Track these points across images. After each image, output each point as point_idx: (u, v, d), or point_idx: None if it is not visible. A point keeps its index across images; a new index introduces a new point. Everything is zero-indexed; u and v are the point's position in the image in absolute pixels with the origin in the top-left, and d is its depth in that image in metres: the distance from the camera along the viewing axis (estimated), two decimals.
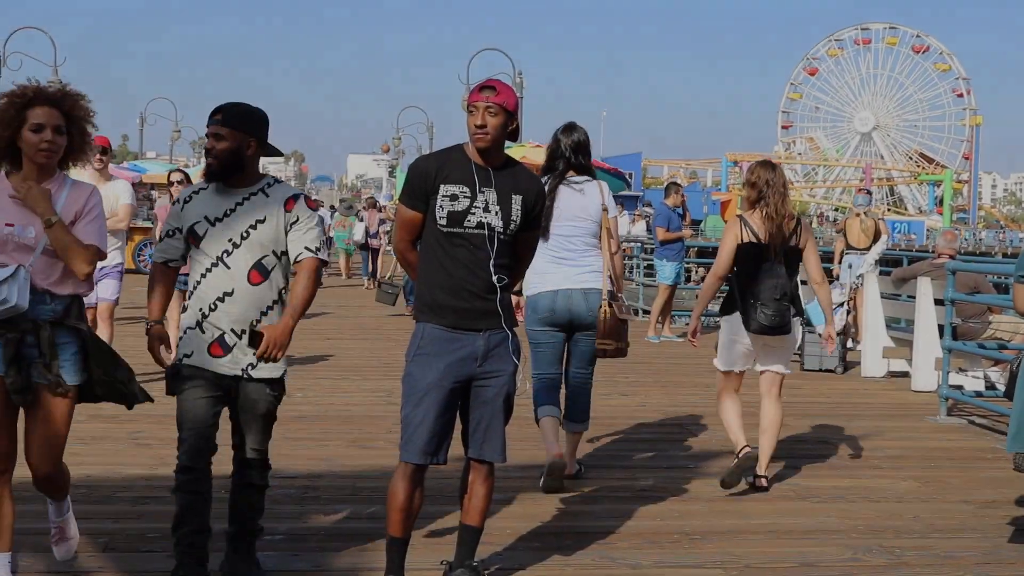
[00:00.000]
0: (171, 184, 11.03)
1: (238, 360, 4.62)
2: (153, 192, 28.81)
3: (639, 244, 21.53)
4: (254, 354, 4.53)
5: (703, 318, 7.38)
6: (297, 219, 4.63)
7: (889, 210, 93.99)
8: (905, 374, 11.71)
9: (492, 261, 4.51)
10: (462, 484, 4.81)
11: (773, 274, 6.55)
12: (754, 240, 6.62)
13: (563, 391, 6.86)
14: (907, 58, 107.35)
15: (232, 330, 4.59)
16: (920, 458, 7.95)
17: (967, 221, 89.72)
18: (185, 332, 4.64)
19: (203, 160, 5.97)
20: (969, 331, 11.03)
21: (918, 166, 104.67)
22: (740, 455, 6.71)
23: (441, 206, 4.48)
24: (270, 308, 4.63)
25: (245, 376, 4.64)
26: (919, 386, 11.03)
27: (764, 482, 6.83)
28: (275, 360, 4.53)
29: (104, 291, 9.11)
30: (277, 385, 4.74)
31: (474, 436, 4.63)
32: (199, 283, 4.63)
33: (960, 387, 10.63)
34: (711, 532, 5.86)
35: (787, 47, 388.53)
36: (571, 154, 6.67)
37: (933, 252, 13.35)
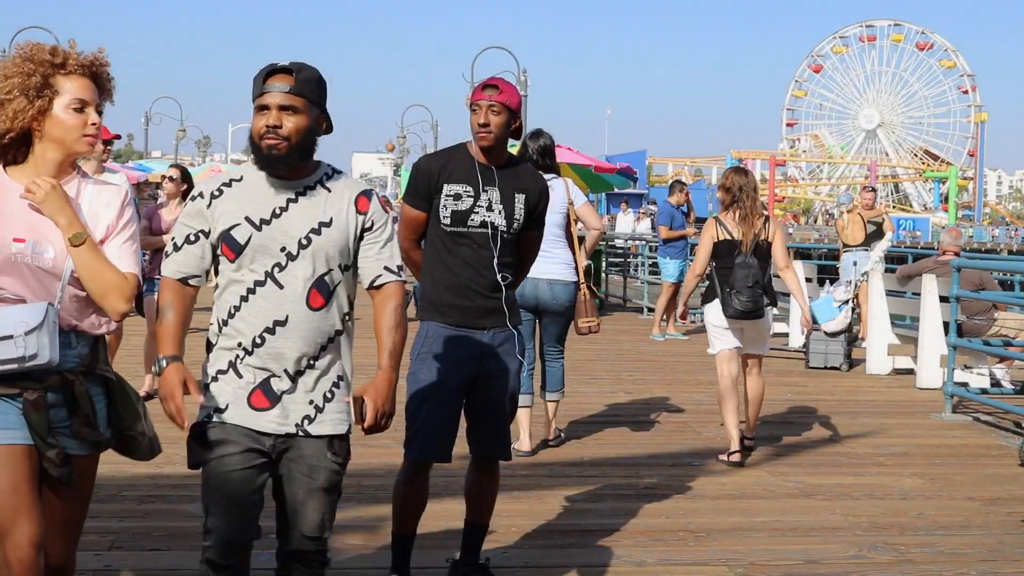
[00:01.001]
0: (172, 180, 9.58)
1: (289, 412, 3.42)
2: (159, 191, 28.81)
3: (643, 242, 21.52)
4: (362, 428, 3.39)
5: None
6: (372, 225, 3.50)
7: (894, 207, 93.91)
8: (910, 371, 11.70)
9: (496, 260, 4.52)
10: (467, 482, 4.82)
11: (746, 265, 7.44)
12: (729, 238, 7.51)
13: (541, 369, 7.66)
14: (912, 55, 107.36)
15: (285, 372, 3.41)
16: (925, 455, 7.94)
17: (972, 218, 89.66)
18: (213, 379, 3.45)
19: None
20: (974, 328, 11.02)
21: (923, 163, 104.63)
22: (730, 459, 7.38)
23: (445, 205, 4.49)
24: (331, 341, 3.48)
25: (300, 433, 3.44)
26: (924, 383, 11.02)
27: (750, 442, 7.82)
28: (383, 430, 3.43)
29: None
30: (342, 445, 3.52)
31: (479, 434, 4.64)
32: (236, 310, 3.42)
33: (965, 384, 10.61)
34: (715, 529, 5.86)
35: (792, 45, 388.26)
36: (538, 157, 7.36)
37: (938, 249, 13.35)
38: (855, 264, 13.91)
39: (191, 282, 3.45)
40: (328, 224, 3.43)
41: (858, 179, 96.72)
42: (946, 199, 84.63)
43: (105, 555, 5.10)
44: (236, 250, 3.39)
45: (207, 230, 3.44)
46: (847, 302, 12.40)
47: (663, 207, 15.61)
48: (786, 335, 14.55)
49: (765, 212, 7.64)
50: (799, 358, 12.80)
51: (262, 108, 3.36)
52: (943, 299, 10.64)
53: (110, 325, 3.38)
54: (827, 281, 14.79)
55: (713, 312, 7.59)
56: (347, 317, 3.53)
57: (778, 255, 7.63)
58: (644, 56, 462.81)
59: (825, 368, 12.26)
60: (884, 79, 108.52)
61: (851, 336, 12.60)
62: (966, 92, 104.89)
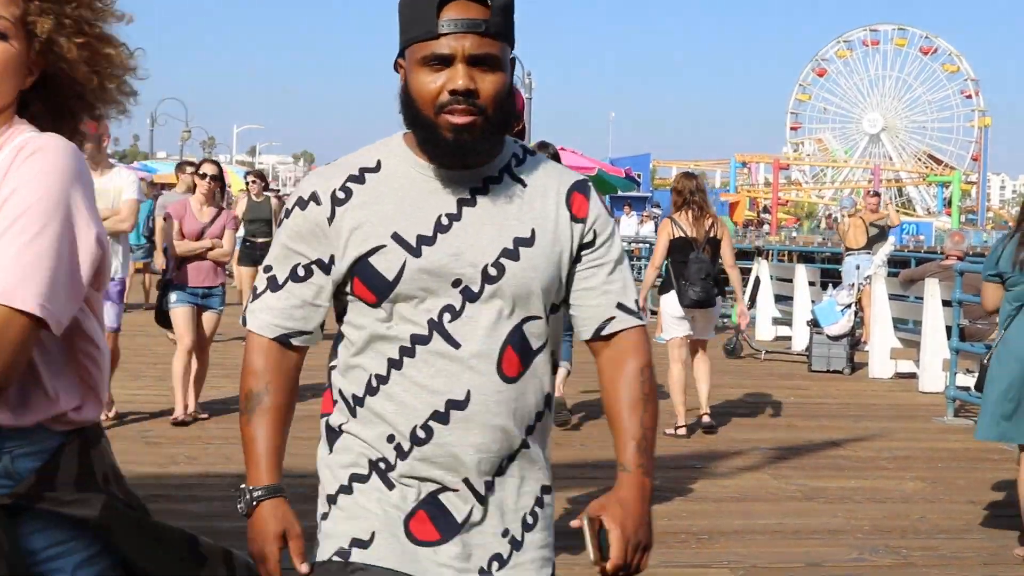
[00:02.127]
0: (205, 178, 8.36)
1: (472, 549, 2.13)
2: (164, 192, 28.78)
3: (647, 245, 21.56)
4: (602, 570, 2.11)
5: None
6: (595, 239, 2.22)
7: (897, 211, 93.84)
8: (912, 375, 11.70)
9: None
10: None
11: (699, 260, 8.25)
12: (684, 235, 8.35)
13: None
14: (916, 59, 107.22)
15: (466, 483, 2.12)
16: (926, 459, 7.95)
17: (976, 222, 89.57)
18: (345, 489, 2.22)
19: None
20: (977, 332, 11.01)
21: (926, 167, 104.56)
22: (678, 432, 8.26)
23: None
24: (530, 431, 2.21)
25: None
26: (926, 387, 11.02)
27: (707, 418, 8.54)
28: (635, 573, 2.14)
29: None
30: None
31: None
32: (382, 382, 2.13)
33: (967, 388, 10.59)
34: (718, 532, 5.87)
35: (796, 48, 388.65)
36: None
37: (941, 253, 13.35)
38: (858, 267, 13.90)
39: (296, 342, 2.20)
40: (530, 240, 2.14)
41: (862, 183, 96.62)
42: (949, 203, 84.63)
43: None
44: (380, 289, 2.10)
45: (327, 257, 2.14)
46: (850, 306, 12.41)
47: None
48: (789, 338, 14.56)
49: (713, 211, 8.59)
50: (802, 361, 12.80)
51: (437, 60, 2.04)
52: (946, 303, 10.64)
53: (93, 409, 1.96)
54: (830, 284, 14.80)
55: (669, 302, 8.45)
56: (551, 383, 2.25)
57: (725, 254, 8.53)
58: (648, 59, 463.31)
59: (828, 371, 12.25)
60: (888, 83, 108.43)
61: (854, 339, 12.60)
62: (969, 96, 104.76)
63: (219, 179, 8.42)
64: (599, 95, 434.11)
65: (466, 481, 2.12)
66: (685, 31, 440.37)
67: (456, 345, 2.08)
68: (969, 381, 10.88)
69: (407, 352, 2.10)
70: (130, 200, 7.55)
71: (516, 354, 2.12)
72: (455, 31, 2.01)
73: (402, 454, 2.12)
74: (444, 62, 2.03)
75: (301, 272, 2.15)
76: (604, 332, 2.24)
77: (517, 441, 2.16)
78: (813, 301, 13.89)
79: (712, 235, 8.38)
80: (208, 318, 8.27)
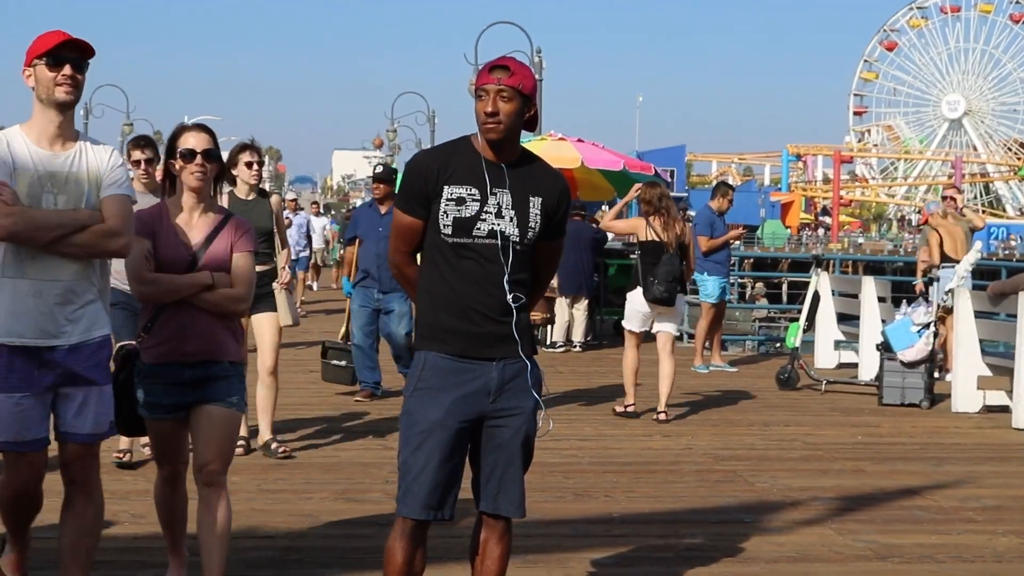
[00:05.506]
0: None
1: None
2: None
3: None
4: None
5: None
6: None
7: (984, 212, 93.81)
8: (1005, 408, 11.69)
9: (506, 277, 4.52)
10: (473, 543, 4.82)
11: (670, 263, 10.76)
12: (657, 239, 10.90)
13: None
14: (1005, 29, 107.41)
15: None
16: (1023, 509, 7.93)
17: None
18: None
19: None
20: None
21: (1018, 158, 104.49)
22: (627, 409, 10.98)
23: (445, 212, 4.50)
24: None
25: None
26: (1022, 423, 11.01)
27: (664, 416, 10.87)
28: None
29: (86, 420, 4.98)
30: None
31: (487, 486, 4.65)
32: None
33: None
34: None
35: (860, 17, 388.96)
36: None
37: None
38: (938, 281, 13.88)
39: None
40: None
41: (940, 178, 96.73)
42: None
43: None
44: None
45: None
46: (928, 325, 12.39)
47: (702, 213, 15.61)
48: (855, 366, 14.54)
49: (678, 218, 11.23)
50: (871, 393, 12.78)
51: None
52: None
53: None
54: (903, 301, 14.77)
55: (635, 298, 11.00)
56: None
57: (690, 257, 11.22)
58: (681, 32, 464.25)
59: (902, 405, 12.24)
60: (971, 58, 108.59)
61: (933, 366, 12.59)
62: None
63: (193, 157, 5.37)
64: (624, 75, 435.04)
65: None
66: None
67: None
68: None
69: None
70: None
71: None
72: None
73: None
74: None
75: None
76: None
77: None
78: (883, 320, 13.87)
79: (683, 240, 10.99)
80: (216, 419, 5.32)
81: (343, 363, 11.80)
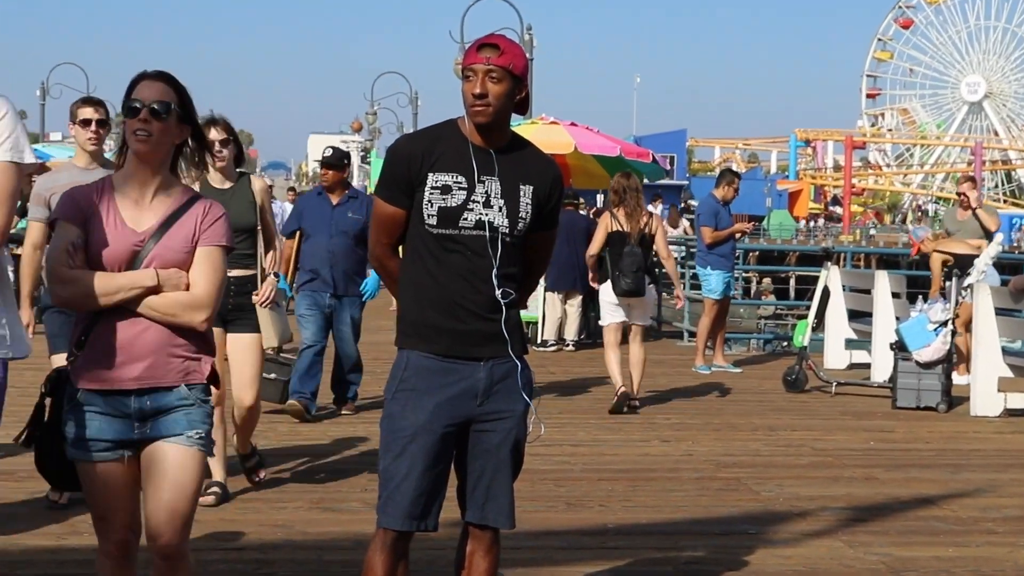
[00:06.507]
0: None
1: None
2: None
3: (682, 248, 21.41)
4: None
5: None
6: None
7: (1006, 201, 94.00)
8: None
9: (495, 271, 4.52)
10: (458, 556, 4.82)
11: (632, 254, 11.30)
12: (620, 229, 11.46)
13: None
14: None
15: None
16: None
17: None
18: None
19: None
20: None
21: None
22: (619, 393, 11.41)
23: (430, 201, 4.49)
24: None
25: None
26: None
27: (636, 402, 11.59)
28: None
29: None
30: None
31: (474, 495, 4.64)
32: None
33: None
34: None
35: None
36: None
37: None
38: (957, 276, 13.87)
39: None
40: None
41: (959, 165, 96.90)
42: None
43: None
44: None
45: None
46: (946, 323, 12.40)
47: (706, 202, 15.60)
48: (867, 366, 14.54)
49: (648, 209, 12.04)
50: (884, 395, 12.79)
51: None
52: None
53: None
54: (919, 297, 14.78)
55: (606, 290, 11.67)
56: None
57: (660, 246, 11.79)
58: (682, 8, 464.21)
59: (918, 408, 12.24)
60: (992, 36, 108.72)
61: (950, 367, 12.60)
62: None
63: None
64: (621, 54, 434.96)
65: None
66: None
67: None
68: None
69: None
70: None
71: None
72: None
73: None
74: None
75: None
76: None
77: None
78: (898, 318, 13.87)
79: (647, 231, 11.54)
80: (170, 462, 4.35)
81: (272, 375, 10.05)
